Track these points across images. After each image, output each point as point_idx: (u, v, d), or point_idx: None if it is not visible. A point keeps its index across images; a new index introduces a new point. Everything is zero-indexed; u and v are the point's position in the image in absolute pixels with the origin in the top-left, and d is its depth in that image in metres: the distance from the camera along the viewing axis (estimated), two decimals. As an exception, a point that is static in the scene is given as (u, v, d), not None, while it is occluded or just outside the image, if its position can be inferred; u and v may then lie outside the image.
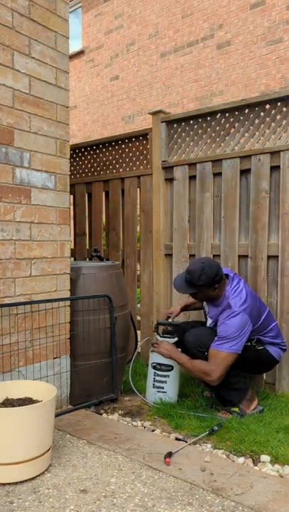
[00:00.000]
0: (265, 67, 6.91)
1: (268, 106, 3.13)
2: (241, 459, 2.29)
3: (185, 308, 3.26)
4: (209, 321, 2.90)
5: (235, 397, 2.75)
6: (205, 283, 2.69)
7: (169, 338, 3.04)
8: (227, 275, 2.85)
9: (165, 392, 3.00)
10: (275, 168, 3.08)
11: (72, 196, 4.53)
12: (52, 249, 2.78)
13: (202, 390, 3.14)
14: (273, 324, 2.86)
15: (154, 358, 3.03)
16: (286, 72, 6.68)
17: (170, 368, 2.99)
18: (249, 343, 2.75)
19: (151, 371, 3.05)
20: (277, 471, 2.19)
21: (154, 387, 3.03)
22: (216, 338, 2.67)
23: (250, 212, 3.20)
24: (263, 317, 2.79)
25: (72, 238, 4.61)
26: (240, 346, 2.62)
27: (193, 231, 3.55)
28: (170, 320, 3.15)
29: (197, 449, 2.36)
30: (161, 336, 3.08)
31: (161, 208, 3.72)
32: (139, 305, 4.17)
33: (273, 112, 3.09)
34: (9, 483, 1.95)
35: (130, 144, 4.00)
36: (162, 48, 8.43)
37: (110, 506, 1.79)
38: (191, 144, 3.55)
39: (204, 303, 3.02)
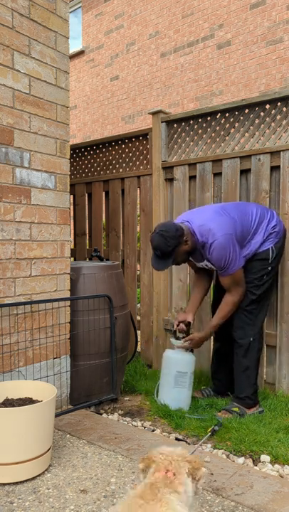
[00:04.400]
0: (265, 67, 6.91)
1: (267, 106, 3.13)
2: (241, 459, 2.29)
3: (195, 311, 3.06)
4: (204, 264, 2.89)
5: (250, 393, 2.80)
6: (175, 244, 2.66)
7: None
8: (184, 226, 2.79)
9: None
10: (275, 168, 3.08)
11: (72, 196, 4.53)
12: (52, 249, 2.78)
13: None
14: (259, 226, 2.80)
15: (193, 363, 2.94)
16: (286, 72, 6.68)
17: None
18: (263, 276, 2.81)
19: (191, 377, 2.93)
20: (277, 471, 2.19)
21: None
22: (219, 272, 2.78)
23: (250, 212, 3.19)
24: (242, 221, 2.76)
25: (72, 238, 4.61)
26: (240, 260, 2.70)
27: (193, 231, 3.55)
28: (179, 334, 2.99)
29: (197, 449, 2.36)
30: (176, 339, 2.99)
31: (161, 208, 3.71)
32: (139, 305, 4.17)
33: (273, 111, 3.09)
34: (9, 483, 1.95)
35: (130, 144, 4.00)
36: (162, 48, 8.43)
37: (110, 506, 1.78)
38: (191, 143, 3.55)
39: (193, 262, 2.97)
